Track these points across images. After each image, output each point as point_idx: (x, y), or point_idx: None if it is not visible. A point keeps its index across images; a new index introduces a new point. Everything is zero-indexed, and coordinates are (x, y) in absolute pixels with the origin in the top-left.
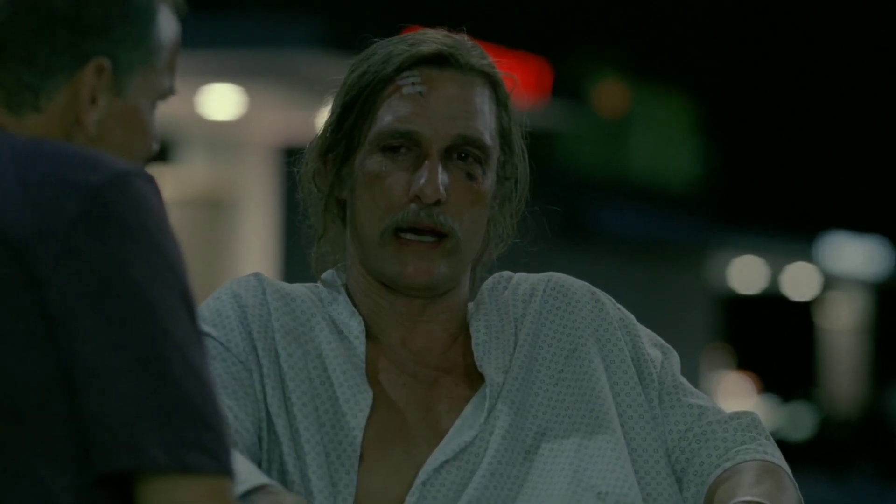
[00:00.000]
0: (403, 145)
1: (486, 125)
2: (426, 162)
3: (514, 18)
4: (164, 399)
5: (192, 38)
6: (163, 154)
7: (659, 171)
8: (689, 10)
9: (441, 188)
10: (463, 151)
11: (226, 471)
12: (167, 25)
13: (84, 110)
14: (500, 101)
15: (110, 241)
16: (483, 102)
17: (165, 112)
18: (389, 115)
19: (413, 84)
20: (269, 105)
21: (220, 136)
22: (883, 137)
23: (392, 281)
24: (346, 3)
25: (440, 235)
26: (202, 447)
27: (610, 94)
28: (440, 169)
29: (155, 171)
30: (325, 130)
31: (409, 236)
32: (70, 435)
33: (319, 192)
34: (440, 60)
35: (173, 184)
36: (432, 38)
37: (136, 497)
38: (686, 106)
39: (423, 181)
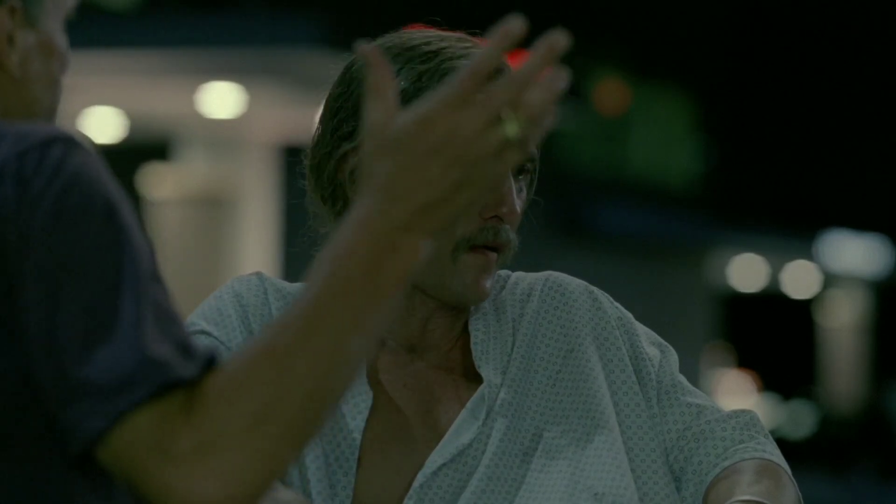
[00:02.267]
0: None
1: None
2: (502, 181)
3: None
4: (67, 376)
5: (192, 35)
6: (162, 153)
7: (659, 169)
8: (689, 9)
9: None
10: (522, 167)
11: (160, 386)
12: None
13: (5, 54)
14: None
15: (51, 216)
16: None
17: (165, 110)
18: None
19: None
20: (270, 103)
21: (221, 134)
22: (883, 136)
23: (459, 295)
24: (347, 2)
25: (498, 249)
26: (125, 385)
27: (610, 93)
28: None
29: (154, 169)
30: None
31: (488, 252)
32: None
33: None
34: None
35: (172, 182)
36: (477, 50)
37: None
38: (686, 104)
39: (504, 203)
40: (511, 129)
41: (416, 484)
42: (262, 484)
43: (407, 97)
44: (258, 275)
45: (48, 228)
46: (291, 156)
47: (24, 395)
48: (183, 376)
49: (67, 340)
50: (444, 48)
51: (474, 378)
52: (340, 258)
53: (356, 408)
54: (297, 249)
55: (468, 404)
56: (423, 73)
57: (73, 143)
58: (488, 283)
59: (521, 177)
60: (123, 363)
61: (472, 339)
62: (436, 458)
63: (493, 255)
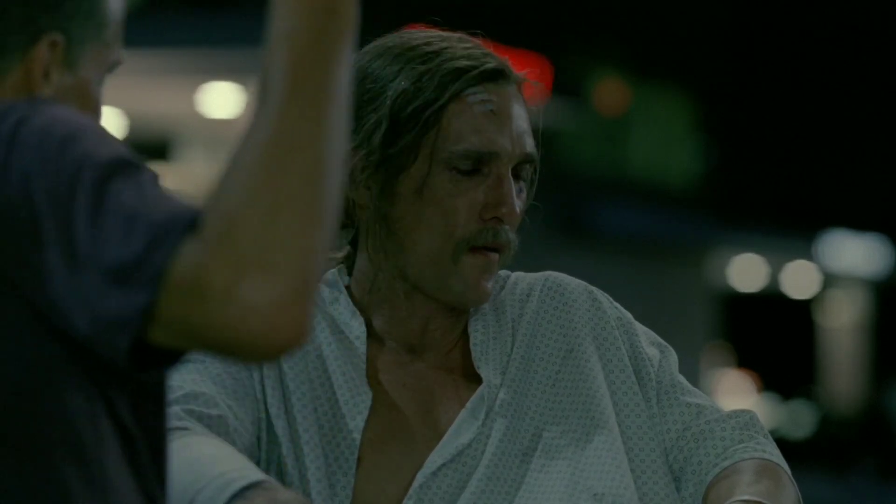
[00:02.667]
0: (480, 164)
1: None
2: (502, 182)
3: (514, 16)
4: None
5: (191, 35)
6: (163, 152)
7: (659, 169)
8: (689, 9)
9: (517, 209)
10: (521, 167)
11: (183, 233)
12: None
13: (37, 86)
14: (526, 107)
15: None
16: (526, 115)
17: (164, 110)
18: (469, 135)
19: (483, 101)
20: None
21: (221, 134)
22: (883, 136)
23: (460, 296)
24: None
25: (499, 250)
26: (142, 281)
27: (610, 93)
28: (513, 188)
29: (154, 169)
30: (368, 141)
31: (489, 252)
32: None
33: (359, 206)
34: (498, 76)
35: (172, 182)
36: (478, 51)
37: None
38: (686, 104)
39: (504, 204)
40: None
41: (415, 484)
42: (311, 274)
43: (407, 97)
44: None
45: (21, 158)
46: None
47: (25, 385)
48: (194, 217)
49: (80, 242)
50: (444, 48)
51: (474, 378)
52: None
53: (356, 408)
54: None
55: (468, 404)
56: (423, 74)
57: (47, 102)
58: (489, 285)
59: (521, 177)
60: (141, 232)
61: (472, 340)
62: (435, 458)
63: (495, 256)
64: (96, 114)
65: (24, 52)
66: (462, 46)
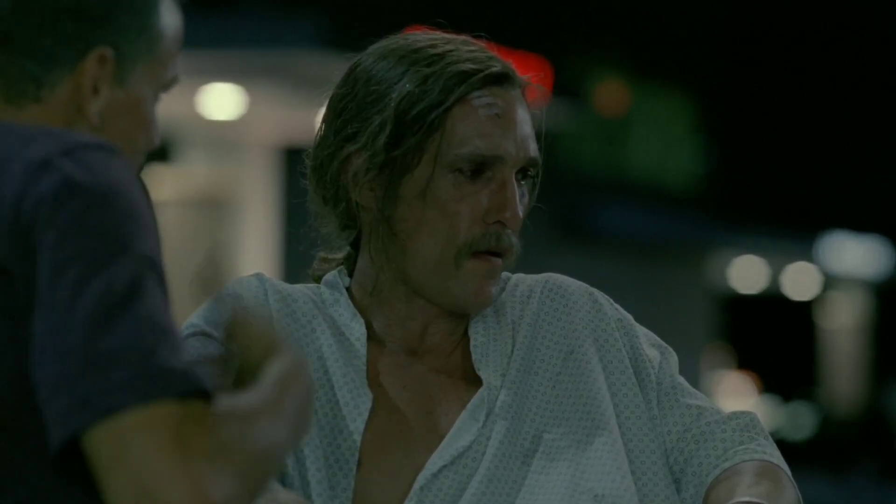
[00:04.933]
0: (484, 168)
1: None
2: (506, 186)
3: (515, 18)
4: (78, 357)
5: (192, 37)
6: (163, 154)
7: (659, 170)
8: (689, 10)
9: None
10: (525, 171)
11: (153, 395)
12: (169, 15)
13: (86, 100)
14: (530, 110)
15: (74, 216)
16: (530, 119)
17: (165, 112)
18: (473, 138)
19: (488, 104)
20: (270, 105)
21: (221, 135)
22: (883, 137)
23: (462, 301)
24: (347, 3)
25: (501, 255)
26: (116, 386)
27: (610, 94)
28: (517, 193)
29: (154, 170)
30: (372, 142)
31: (491, 257)
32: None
33: (362, 207)
34: (503, 79)
35: (173, 184)
36: (483, 54)
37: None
38: (686, 105)
39: (507, 208)
40: None
41: (416, 486)
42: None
43: (412, 100)
44: (258, 276)
45: (74, 224)
46: (292, 157)
47: (19, 389)
48: (207, 389)
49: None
50: (449, 51)
51: (474, 381)
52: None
53: (356, 409)
54: (297, 250)
55: (468, 406)
56: (428, 76)
57: (115, 152)
58: (492, 290)
59: (523, 181)
60: (161, 358)
61: (472, 343)
62: (436, 460)
63: (497, 261)
64: (149, 131)
65: (73, 66)
66: (467, 49)
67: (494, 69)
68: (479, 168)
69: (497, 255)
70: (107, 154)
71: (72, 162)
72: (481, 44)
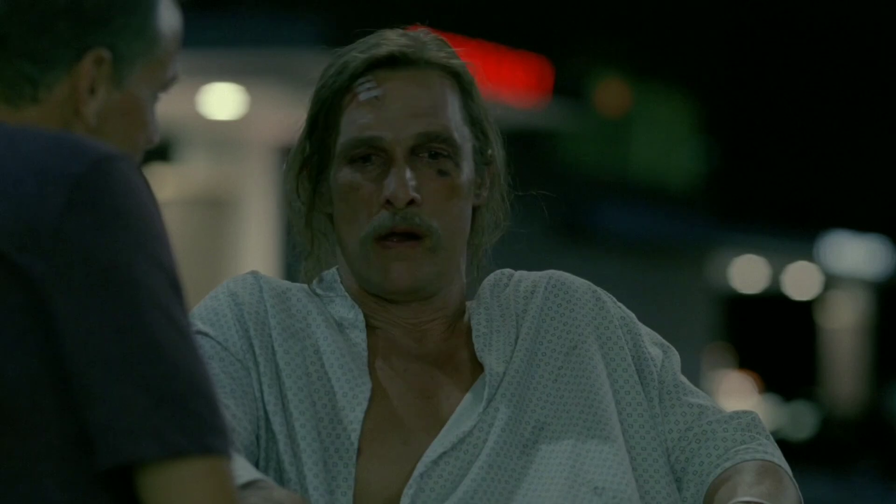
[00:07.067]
0: (371, 154)
1: (449, 118)
2: (390, 166)
3: (515, 17)
4: (152, 388)
5: (193, 37)
6: (163, 153)
7: (660, 170)
8: (689, 9)
9: (411, 190)
10: (430, 149)
11: (216, 450)
12: (168, 16)
13: (83, 101)
14: (464, 89)
15: (100, 229)
16: (444, 95)
17: (166, 111)
18: (350, 126)
19: (368, 89)
20: (270, 104)
21: (221, 135)
22: (884, 137)
23: (379, 288)
24: (347, 2)
25: (419, 236)
26: (190, 430)
27: (611, 93)
28: (407, 171)
29: (155, 170)
30: (298, 147)
31: (392, 241)
32: (64, 432)
33: (302, 208)
34: (394, 61)
35: (174, 183)
36: (386, 40)
37: (136, 485)
38: (687, 105)
39: (392, 186)
40: None
41: (416, 472)
42: None
43: (317, 102)
44: (254, 274)
45: (90, 235)
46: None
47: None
48: (228, 452)
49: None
50: (354, 47)
51: (475, 368)
52: None
53: (355, 399)
54: (297, 250)
55: (470, 392)
56: (326, 76)
57: (131, 164)
58: (407, 272)
59: (434, 160)
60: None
61: (475, 331)
62: (437, 447)
63: (408, 244)
64: (147, 131)
65: (70, 67)
66: (374, 41)
67: (379, 52)
68: (369, 154)
69: (408, 237)
70: (126, 164)
71: (94, 173)
72: (416, 30)
